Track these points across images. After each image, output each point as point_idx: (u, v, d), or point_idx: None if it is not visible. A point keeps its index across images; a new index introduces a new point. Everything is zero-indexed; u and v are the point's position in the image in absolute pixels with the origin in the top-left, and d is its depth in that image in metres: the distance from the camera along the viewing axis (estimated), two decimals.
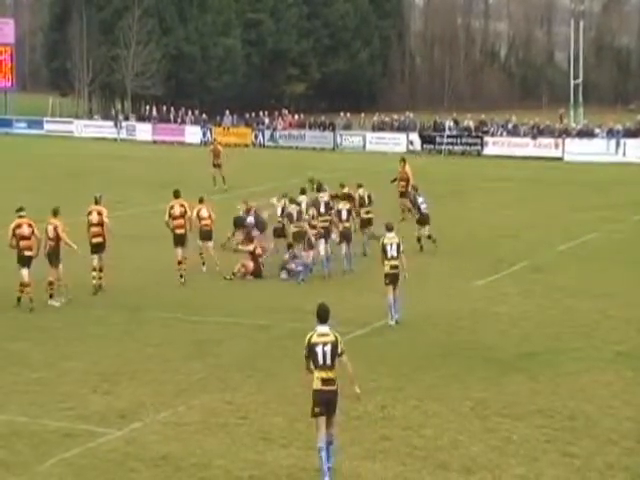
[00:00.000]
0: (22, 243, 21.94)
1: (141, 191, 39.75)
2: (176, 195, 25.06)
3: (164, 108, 70.09)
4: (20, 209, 22.48)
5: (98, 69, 77.38)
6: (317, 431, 12.68)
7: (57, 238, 22.34)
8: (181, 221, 24.37)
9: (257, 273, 25.34)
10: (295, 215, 25.86)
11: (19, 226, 22.02)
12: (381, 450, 13.80)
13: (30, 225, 22.15)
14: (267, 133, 64.32)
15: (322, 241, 25.41)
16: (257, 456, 13.57)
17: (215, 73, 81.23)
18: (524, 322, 20.89)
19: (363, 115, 66.08)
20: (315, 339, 12.50)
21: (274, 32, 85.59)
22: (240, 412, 15.30)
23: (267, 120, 66.77)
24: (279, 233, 27.60)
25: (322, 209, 25.95)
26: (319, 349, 12.44)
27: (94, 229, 23.36)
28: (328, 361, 12.43)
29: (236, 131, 65.82)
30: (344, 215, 25.97)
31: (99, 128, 69.04)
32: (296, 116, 68.58)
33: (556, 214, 35.56)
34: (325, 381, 12.47)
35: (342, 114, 66.23)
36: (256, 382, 16.72)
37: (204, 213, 25.85)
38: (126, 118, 70.33)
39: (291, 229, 26.02)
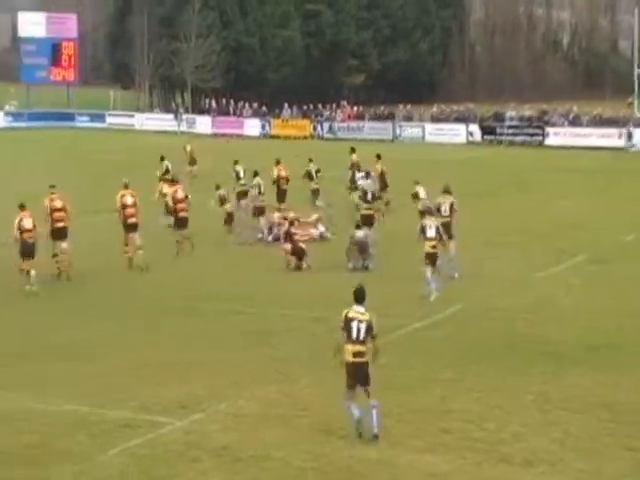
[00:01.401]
0: (56, 214, 23.69)
1: (199, 183, 40.00)
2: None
3: (223, 101, 70.47)
4: (52, 186, 24.30)
5: (159, 62, 78.00)
6: (348, 399, 13.64)
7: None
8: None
9: (298, 253, 25.19)
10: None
11: (52, 200, 23.84)
12: (441, 443, 13.70)
13: (62, 199, 24.06)
14: (326, 125, 64.28)
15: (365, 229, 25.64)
16: (316, 448, 13.56)
17: (274, 65, 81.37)
18: (586, 314, 20.60)
19: (422, 107, 65.75)
20: (352, 314, 13.52)
21: (333, 23, 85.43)
22: (299, 404, 15.31)
23: (326, 112, 66.76)
24: (259, 212, 28.48)
25: (369, 197, 26.78)
26: (354, 324, 13.42)
27: (130, 210, 24.84)
28: (361, 336, 13.42)
29: (295, 123, 65.91)
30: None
31: (160, 121, 69.64)
32: (355, 107, 68.47)
33: (620, 204, 34.99)
34: (356, 354, 13.43)
35: (401, 105, 65.98)
36: (314, 374, 16.71)
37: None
38: (186, 111, 70.84)
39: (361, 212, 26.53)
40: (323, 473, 12.82)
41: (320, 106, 67.63)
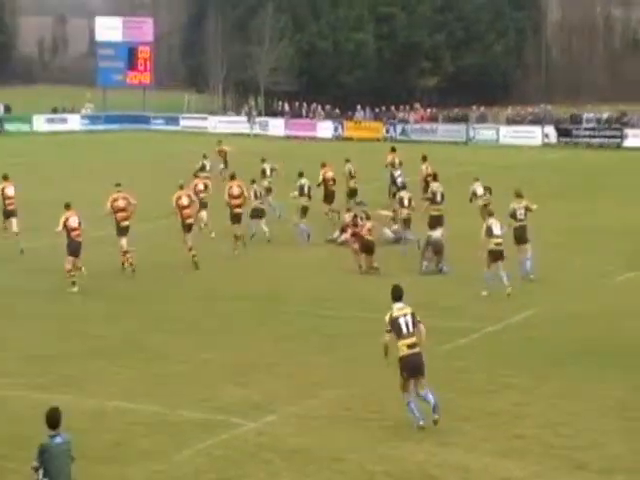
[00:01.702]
0: (119, 215, 24.51)
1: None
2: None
3: (296, 104, 70.67)
4: (118, 184, 25.15)
5: (232, 66, 78.60)
6: (405, 392, 14.21)
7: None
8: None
9: (367, 247, 24.98)
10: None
11: (116, 200, 24.64)
12: (515, 448, 13.54)
13: (125, 198, 24.80)
14: (399, 127, 64.10)
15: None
16: (390, 451, 13.50)
17: (347, 68, 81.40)
18: None
19: (496, 108, 65.16)
20: (396, 313, 14.32)
21: (406, 26, 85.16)
22: (372, 406, 15.27)
23: (399, 114, 66.56)
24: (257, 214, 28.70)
25: (438, 198, 27.04)
26: (401, 320, 14.27)
27: (186, 211, 25.37)
28: (410, 329, 14.25)
29: (368, 125, 65.82)
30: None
31: (233, 124, 70.14)
32: (428, 110, 68.14)
33: None
34: (410, 346, 14.19)
35: (475, 107, 65.45)
36: (387, 377, 16.63)
37: (235, 191, 27.17)
38: (259, 114, 71.27)
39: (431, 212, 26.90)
40: (396, 477, 12.75)
41: (393, 108, 67.48)
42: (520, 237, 23.59)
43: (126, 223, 24.57)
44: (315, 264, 26.35)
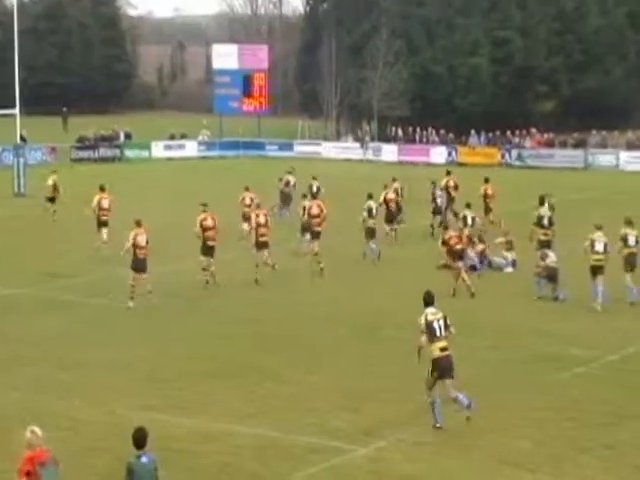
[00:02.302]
0: (207, 234, 25.33)
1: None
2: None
3: (409, 129, 70.42)
4: (204, 204, 25.92)
5: (346, 91, 78.91)
6: (432, 391, 15.06)
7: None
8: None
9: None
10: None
11: (205, 219, 25.48)
12: None
13: (213, 218, 25.62)
14: (514, 152, 63.19)
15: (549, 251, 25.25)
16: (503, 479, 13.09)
17: (462, 92, 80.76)
18: None
19: (616, 133, 63.63)
20: (430, 317, 15.28)
21: (523, 49, 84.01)
22: (481, 433, 14.88)
23: (515, 139, 65.67)
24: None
25: (545, 222, 26.73)
26: (435, 324, 15.20)
27: (262, 229, 26.09)
28: (443, 332, 15.24)
29: (482, 151, 65.12)
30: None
31: (346, 149, 70.32)
32: (544, 134, 67.03)
33: None
34: (442, 349, 15.15)
35: (594, 132, 64.09)
36: (495, 403, 16.20)
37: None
38: (372, 139, 71.29)
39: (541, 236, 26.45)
40: None
41: (508, 133, 66.61)
42: (630, 263, 23.15)
43: (212, 243, 25.39)
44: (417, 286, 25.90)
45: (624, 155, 59.40)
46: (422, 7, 79.91)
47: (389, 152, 67.78)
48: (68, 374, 18.14)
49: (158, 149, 67.83)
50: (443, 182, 35.20)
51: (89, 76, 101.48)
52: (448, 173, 36.67)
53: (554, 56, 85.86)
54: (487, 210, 33.33)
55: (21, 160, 45.82)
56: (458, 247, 24.97)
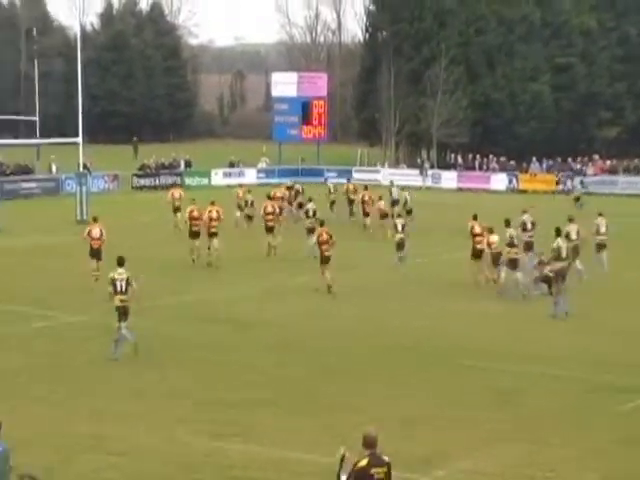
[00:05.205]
0: (193, 222, 32.54)
1: (439, 237, 39.86)
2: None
3: (469, 156, 70.04)
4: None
5: (405, 119, 78.79)
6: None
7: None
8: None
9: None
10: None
11: (192, 211, 32.50)
12: None
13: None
14: (576, 179, 62.44)
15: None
16: None
17: (523, 119, 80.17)
18: None
19: None
20: None
21: (585, 76, 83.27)
22: (547, 465, 14.52)
23: (577, 166, 64.93)
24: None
25: (573, 236, 28.45)
26: None
27: (324, 246, 28.10)
28: None
29: (542, 178, 64.49)
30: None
31: (405, 176, 70.11)
32: (608, 161, 66.20)
33: None
34: None
35: None
36: (565, 435, 15.83)
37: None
38: (431, 166, 71.00)
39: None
40: None
41: (570, 160, 65.89)
42: None
43: (197, 229, 31.94)
44: (493, 315, 25.67)
45: None
46: (482, 34, 79.60)
47: (448, 179, 67.46)
48: (126, 402, 18.17)
49: (217, 176, 68.36)
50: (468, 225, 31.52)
51: (152, 105, 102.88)
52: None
53: (617, 82, 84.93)
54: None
55: (84, 188, 46.55)
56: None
